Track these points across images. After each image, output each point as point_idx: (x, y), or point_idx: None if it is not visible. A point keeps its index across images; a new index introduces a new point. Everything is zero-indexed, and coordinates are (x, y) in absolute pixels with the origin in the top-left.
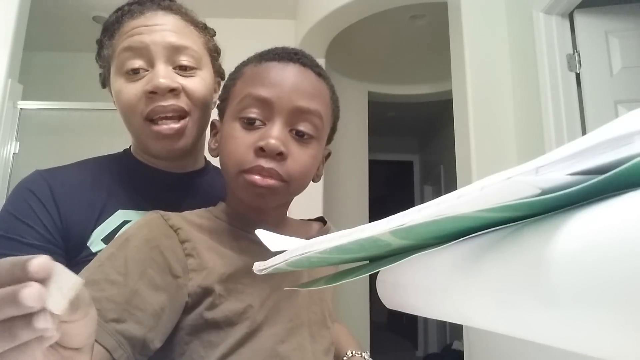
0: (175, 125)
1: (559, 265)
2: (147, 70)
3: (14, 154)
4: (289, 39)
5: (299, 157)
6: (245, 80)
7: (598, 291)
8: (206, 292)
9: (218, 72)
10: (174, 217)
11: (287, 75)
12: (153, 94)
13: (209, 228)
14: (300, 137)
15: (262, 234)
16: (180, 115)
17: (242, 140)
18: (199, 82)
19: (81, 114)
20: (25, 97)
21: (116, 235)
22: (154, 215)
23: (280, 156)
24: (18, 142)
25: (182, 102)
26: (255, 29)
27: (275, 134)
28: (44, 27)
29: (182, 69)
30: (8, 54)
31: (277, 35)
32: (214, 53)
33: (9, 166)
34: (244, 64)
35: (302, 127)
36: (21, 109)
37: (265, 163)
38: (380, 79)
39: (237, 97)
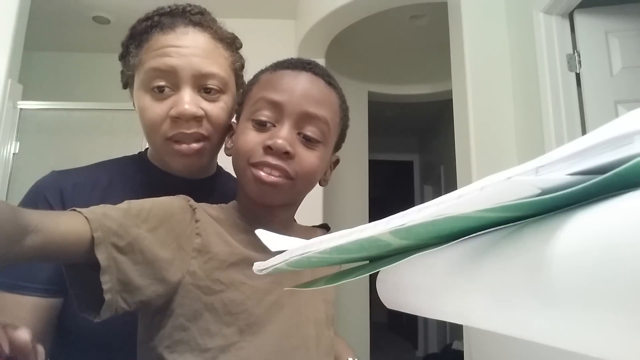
0: (195, 146)
1: (559, 266)
2: (173, 91)
3: (14, 154)
4: (289, 39)
5: (305, 157)
6: (260, 86)
7: (598, 291)
8: (206, 275)
9: (241, 87)
10: (193, 201)
11: (299, 82)
12: (177, 119)
13: (219, 218)
14: (307, 140)
15: (262, 233)
16: (200, 139)
17: (252, 138)
18: (221, 108)
19: (81, 114)
20: (25, 97)
21: None
22: (177, 196)
23: (287, 155)
24: (18, 142)
25: (203, 129)
26: (255, 29)
27: (283, 135)
28: (44, 27)
29: (207, 92)
30: (8, 54)
31: (277, 35)
32: (239, 72)
33: (9, 166)
34: (261, 72)
35: (309, 131)
36: (21, 109)
37: (273, 160)
38: (380, 79)
39: (252, 101)
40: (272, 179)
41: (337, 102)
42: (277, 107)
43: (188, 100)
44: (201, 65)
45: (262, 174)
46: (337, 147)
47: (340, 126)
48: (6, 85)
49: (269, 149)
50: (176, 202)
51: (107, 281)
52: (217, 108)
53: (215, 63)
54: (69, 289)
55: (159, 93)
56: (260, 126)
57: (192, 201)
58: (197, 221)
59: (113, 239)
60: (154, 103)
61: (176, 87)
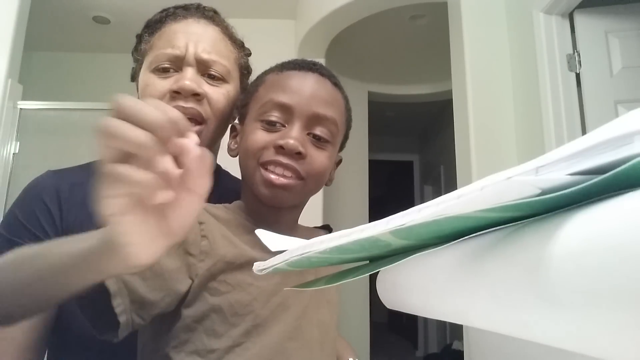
0: (192, 127)
1: (559, 265)
2: (177, 72)
3: (14, 154)
4: (289, 39)
5: (316, 157)
6: (267, 87)
7: (598, 291)
8: (212, 277)
9: (244, 90)
10: None
11: (307, 83)
12: (177, 93)
13: (224, 219)
14: (316, 140)
15: (261, 234)
16: (198, 121)
17: (262, 138)
18: (222, 94)
19: (81, 114)
20: (25, 97)
21: None
22: None
23: (298, 155)
24: (18, 142)
25: (202, 109)
26: (255, 29)
27: (294, 135)
28: (44, 27)
29: (210, 78)
30: (8, 54)
31: (277, 35)
32: (244, 70)
33: (9, 166)
34: (266, 73)
35: (319, 131)
36: (21, 109)
37: (284, 159)
38: (380, 79)
39: (259, 102)
40: (282, 181)
41: (343, 103)
42: (286, 109)
43: (190, 77)
44: (207, 51)
45: (272, 176)
46: (341, 147)
47: (346, 126)
48: (6, 85)
49: (280, 149)
50: None
51: (119, 304)
52: (218, 93)
53: (220, 52)
54: (82, 314)
55: (162, 72)
56: (270, 126)
57: None
58: (201, 223)
59: None
60: (156, 80)
61: (180, 69)
